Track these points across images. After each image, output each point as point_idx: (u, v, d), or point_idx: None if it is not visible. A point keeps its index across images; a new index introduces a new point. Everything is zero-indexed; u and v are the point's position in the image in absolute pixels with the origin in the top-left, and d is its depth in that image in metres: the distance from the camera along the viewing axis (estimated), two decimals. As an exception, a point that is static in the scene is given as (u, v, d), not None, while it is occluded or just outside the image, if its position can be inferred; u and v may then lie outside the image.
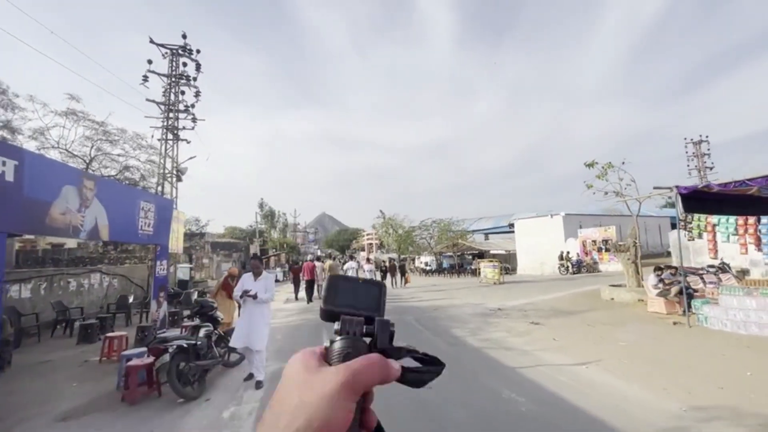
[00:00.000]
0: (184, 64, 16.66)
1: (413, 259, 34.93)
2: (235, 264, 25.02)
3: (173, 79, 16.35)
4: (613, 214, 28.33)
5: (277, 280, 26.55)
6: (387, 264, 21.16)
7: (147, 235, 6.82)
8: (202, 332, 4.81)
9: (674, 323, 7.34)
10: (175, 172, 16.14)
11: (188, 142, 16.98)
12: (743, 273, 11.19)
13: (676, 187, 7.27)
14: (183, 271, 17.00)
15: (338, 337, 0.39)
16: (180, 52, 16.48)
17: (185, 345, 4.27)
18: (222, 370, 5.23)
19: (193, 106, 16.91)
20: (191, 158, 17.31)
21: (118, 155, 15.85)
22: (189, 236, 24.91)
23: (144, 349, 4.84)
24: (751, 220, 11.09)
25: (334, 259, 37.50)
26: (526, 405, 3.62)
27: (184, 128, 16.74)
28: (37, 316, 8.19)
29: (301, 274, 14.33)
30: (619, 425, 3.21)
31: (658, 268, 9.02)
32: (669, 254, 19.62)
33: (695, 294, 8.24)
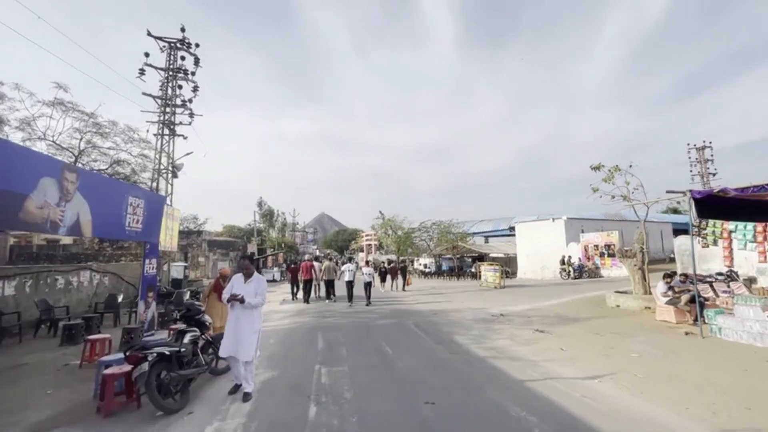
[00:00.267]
0: (182, 58, 16.34)
1: (412, 261, 34.57)
2: (231, 263, 24.62)
3: (171, 73, 16.01)
4: (615, 218, 28.10)
5: (274, 280, 26.30)
6: (386, 266, 20.75)
7: (135, 231, 6.46)
8: (187, 338, 4.45)
9: (686, 333, 7.02)
10: (170, 168, 15.78)
11: (185, 138, 16.65)
12: (750, 281, 10.89)
13: (690, 191, 6.95)
14: (177, 270, 16.62)
15: None
16: (178, 45, 16.15)
17: (167, 353, 3.92)
18: (209, 378, 4.88)
19: (190, 101, 16.58)
20: (188, 154, 17.01)
21: (109, 149, 15.47)
22: (185, 234, 24.51)
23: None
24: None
25: (331, 259, 37.01)
26: (539, 426, 3.28)
27: (180, 123, 16.39)
28: (19, 315, 7.83)
29: (299, 274, 13.96)
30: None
31: (667, 275, 8.69)
32: (672, 260, 19.31)
33: (706, 303, 7.92)
